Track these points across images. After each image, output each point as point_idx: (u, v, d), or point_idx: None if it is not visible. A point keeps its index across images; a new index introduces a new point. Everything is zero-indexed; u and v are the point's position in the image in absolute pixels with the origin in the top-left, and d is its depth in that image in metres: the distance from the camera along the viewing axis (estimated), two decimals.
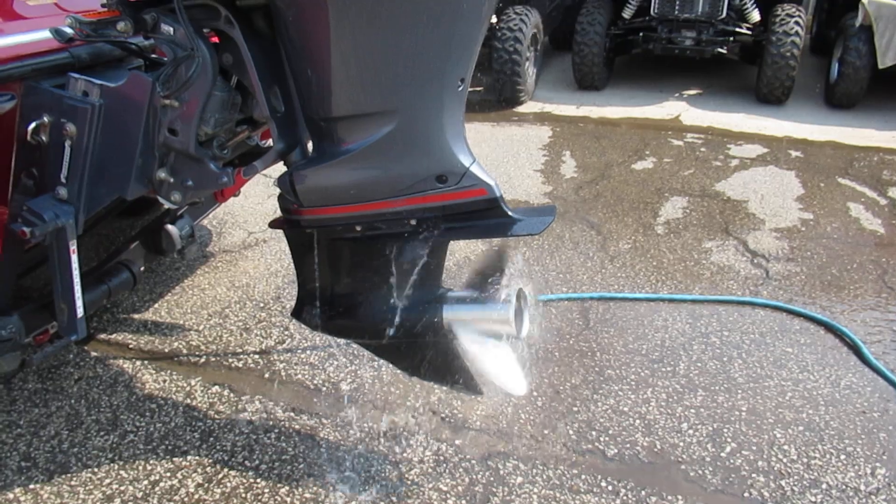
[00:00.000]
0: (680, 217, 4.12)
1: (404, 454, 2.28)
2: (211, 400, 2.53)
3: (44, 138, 1.92)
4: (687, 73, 7.36)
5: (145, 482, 2.16)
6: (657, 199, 4.38)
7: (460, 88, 1.75)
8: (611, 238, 3.85)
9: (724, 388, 2.62)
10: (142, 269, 2.69)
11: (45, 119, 1.90)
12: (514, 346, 2.02)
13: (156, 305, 3.15)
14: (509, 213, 1.84)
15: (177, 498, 2.10)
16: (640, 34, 6.60)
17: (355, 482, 2.16)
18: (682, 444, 2.34)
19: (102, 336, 2.92)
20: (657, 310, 3.14)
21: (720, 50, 6.46)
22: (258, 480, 2.17)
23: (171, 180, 1.97)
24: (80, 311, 2.08)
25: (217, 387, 2.60)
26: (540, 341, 2.89)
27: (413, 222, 1.90)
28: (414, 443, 2.33)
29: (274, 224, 2.11)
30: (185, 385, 2.61)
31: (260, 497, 2.11)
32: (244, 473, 2.20)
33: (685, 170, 4.88)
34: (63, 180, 1.95)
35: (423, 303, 1.98)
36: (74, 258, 2.01)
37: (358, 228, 1.95)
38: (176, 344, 2.87)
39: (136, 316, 3.07)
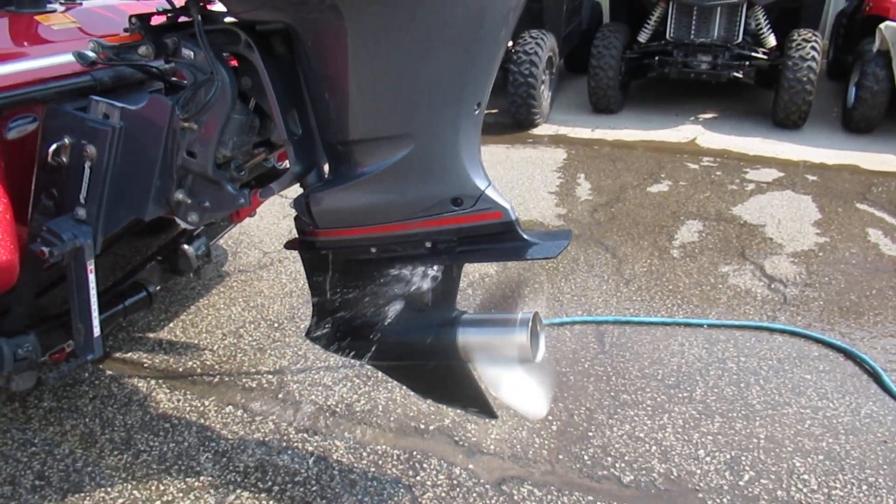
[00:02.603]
0: (696, 241, 4.10)
1: (417, 478, 2.26)
2: (225, 420, 2.53)
3: (64, 159, 1.95)
4: (703, 97, 7.36)
5: (158, 502, 2.15)
6: (673, 222, 4.37)
7: (476, 112, 1.76)
8: (626, 261, 3.83)
9: (741, 414, 2.58)
10: (157, 288, 2.71)
11: (66, 141, 1.93)
12: (530, 369, 2.01)
13: (171, 324, 3.17)
14: (525, 236, 1.84)
15: None
16: (656, 58, 6.61)
17: None
18: (699, 471, 2.31)
19: (118, 355, 2.93)
20: (673, 334, 3.12)
21: (736, 74, 6.46)
22: (270, 502, 2.16)
23: (189, 202, 1.99)
24: (96, 331, 2.09)
25: (231, 407, 2.60)
26: (554, 365, 2.87)
27: (428, 245, 1.90)
28: (427, 466, 2.31)
29: (290, 245, 2.12)
30: (198, 405, 2.61)
31: None
32: (257, 495, 2.19)
33: (701, 193, 4.86)
34: (82, 201, 1.97)
35: (438, 325, 1.98)
36: (92, 278, 2.03)
37: (373, 250, 1.95)
38: (190, 363, 2.88)
39: (151, 335, 3.08)
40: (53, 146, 1.92)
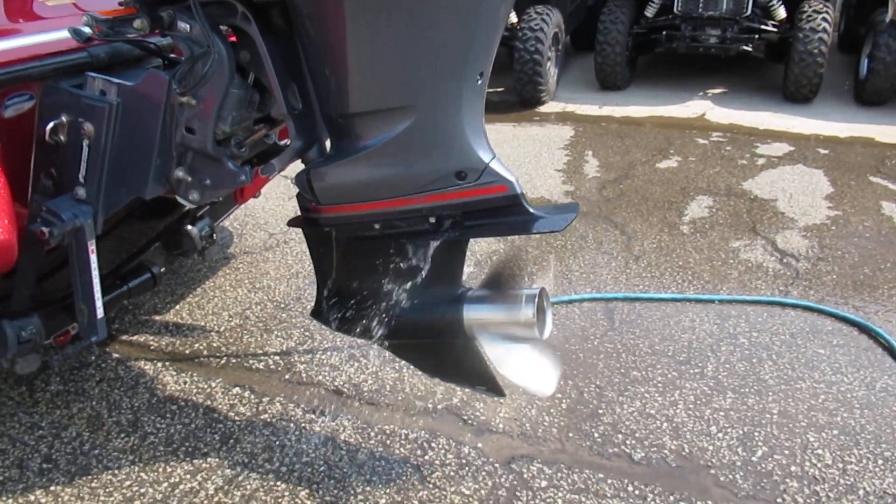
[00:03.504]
0: (706, 216, 4.04)
1: (426, 457, 2.24)
2: (231, 402, 2.52)
3: (62, 138, 1.91)
4: (712, 72, 7.25)
5: (165, 484, 2.14)
6: (682, 198, 4.31)
7: (479, 83, 1.72)
8: (635, 238, 3.78)
9: (754, 390, 2.55)
10: (162, 270, 2.69)
11: (64, 119, 1.90)
12: (537, 346, 1.97)
13: (177, 307, 3.15)
14: (531, 210, 1.80)
15: (196, 500, 2.08)
16: (664, 33, 6.51)
17: (376, 485, 2.12)
18: (711, 447, 2.28)
19: (124, 337, 2.92)
20: (684, 310, 3.07)
21: (745, 48, 6.35)
22: (278, 483, 2.14)
23: (189, 179, 1.95)
24: (100, 312, 2.07)
25: (238, 388, 2.59)
26: (563, 342, 2.84)
27: (432, 220, 1.86)
28: (436, 446, 2.29)
29: (293, 223, 2.09)
30: (205, 387, 2.60)
31: (280, 500, 2.08)
32: (264, 476, 2.17)
33: (711, 168, 4.80)
34: (81, 180, 1.94)
35: (443, 302, 1.94)
36: (93, 258, 2.00)
37: (376, 226, 1.92)
38: (197, 345, 2.86)
39: (157, 317, 3.07)
40: (50, 124, 1.88)
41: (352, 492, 2.10)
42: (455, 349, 2.02)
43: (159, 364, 2.73)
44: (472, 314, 1.91)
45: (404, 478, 2.16)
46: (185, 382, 2.62)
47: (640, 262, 3.51)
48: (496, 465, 2.21)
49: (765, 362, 2.70)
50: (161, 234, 2.72)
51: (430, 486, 2.13)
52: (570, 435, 2.34)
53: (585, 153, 5.19)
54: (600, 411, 2.45)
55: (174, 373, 2.68)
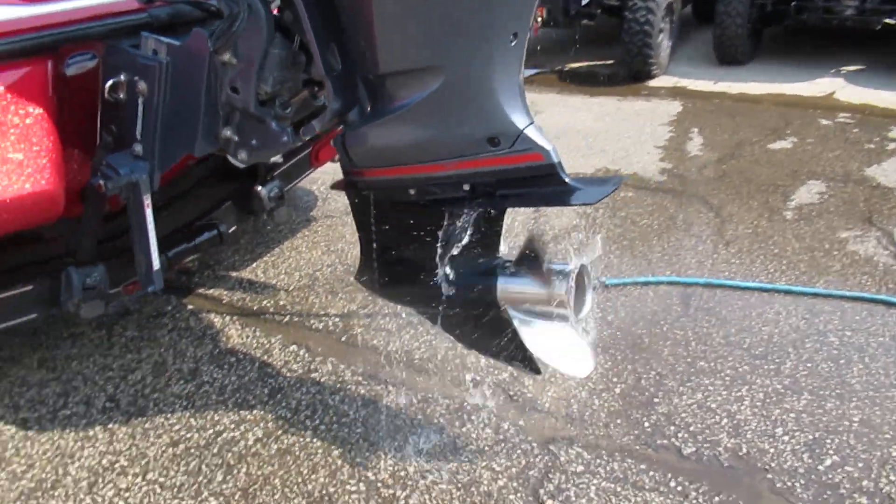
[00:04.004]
0: (815, 202, 3.69)
1: (464, 429, 2.20)
2: (286, 358, 2.57)
3: (122, 96, 1.99)
4: (847, 48, 6.59)
5: (210, 431, 2.23)
6: (791, 181, 3.96)
7: (513, 44, 1.61)
8: (730, 221, 3.52)
9: (835, 393, 2.31)
10: (232, 228, 2.78)
11: (122, 77, 1.97)
12: (576, 326, 1.87)
13: (254, 265, 3.26)
14: (566, 180, 1.69)
15: (235, 449, 2.15)
16: (793, 3, 5.98)
17: (407, 452, 2.11)
18: (772, 450, 2.08)
19: (201, 290, 3.06)
20: (770, 301, 2.83)
21: (888, 21, 5.72)
22: (314, 440, 2.17)
23: (237, 139, 1.98)
24: (156, 264, 2.15)
25: (294, 346, 2.64)
26: (629, 325, 2.69)
27: (466, 187, 1.79)
28: (476, 419, 2.24)
29: (336, 186, 2.08)
30: (265, 342, 2.67)
31: (312, 457, 2.11)
32: (303, 432, 2.21)
33: (830, 152, 4.38)
34: (138, 137, 2.01)
35: (478, 273, 1.88)
36: (149, 212, 2.08)
37: (412, 192, 1.87)
38: (265, 302, 2.95)
39: (234, 273, 3.19)
40: (110, 82, 1.96)
41: (382, 456, 2.10)
42: (491, 322, 1.95)
43: (227, 318, 2.84)
44: (506, 287, 1.83)
45: (437, 448, 2.13)
46: (247, 336, 2.71)
47: (730, 248, 3.27)
48: (534, 444, 2.13)
49: (854, 364, 2.44)
50: (232, 193, 2.81)
51: (462, 458, 2.08)
52: (619, 421, 2.22)
53: (691, 130, 4.88)
54: (656, 400, 2.30)
55: (239, 327, 2.78)
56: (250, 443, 2.18)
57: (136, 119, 1.99)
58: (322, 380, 2.45)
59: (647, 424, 2.20)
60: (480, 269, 1.88)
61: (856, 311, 2.74)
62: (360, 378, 2.45)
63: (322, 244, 3.42)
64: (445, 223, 1.84)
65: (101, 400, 2.39)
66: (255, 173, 2.83)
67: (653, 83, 6.06)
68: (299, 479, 2.03)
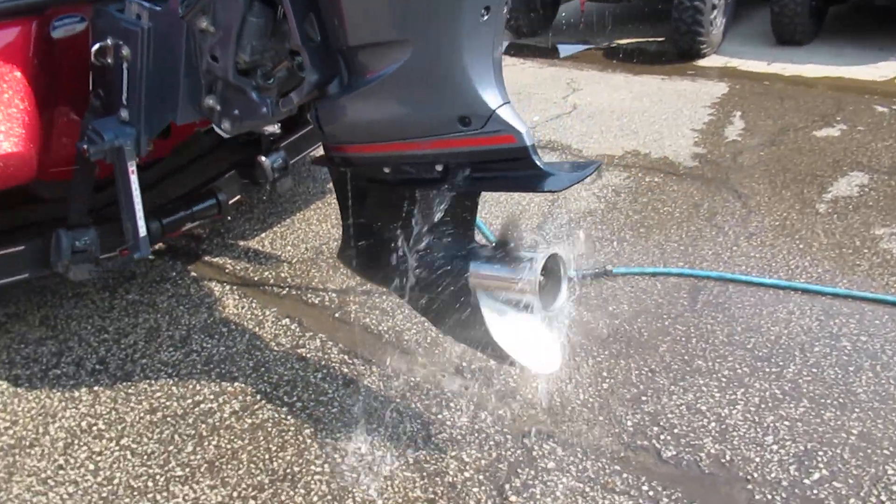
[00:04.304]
0: (853, 195, 3.47)
1: (439, 416, 2.16)
2: (277, 332, 2.57)
3: (109, 61, 1.98)
4: None
5: (189, 401, 2.24)
6: (831, 172, 3.73)
7: (486, 19, 1.53)
8: (757, 212, 3.35)
9: (837, 402, 2.17)
10: (234, 199, 2.78)
11: (109, 42, 1.96)
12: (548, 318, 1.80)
13: (262, 235, 3.26)
14: (539, 164, 1.61)
15: (210, 421, 2.16)
16: None
17: (379, 436, 2.08)
18: (758, 459, 1.97)
19: (207, 257, 3.08)
20: (784, 300, 2.68)
21: None
22: (288, 417, 2.16)
23: (219, 108, 1.95)
24: (142, 231, 2.16)
25: (287, 320, 2.64)
26: (630, 317, 2.59)
27: (439, 168, 1.72)
28: (454, 406, 2.19)
29: (316, 161, 2.04)
30: (259, 314, 2.68)
31: (284, 434, 2.10)
32: (278, 408, 2.20)
33: (881, 141, 4.11)
34: (124, 102, 2.01)
35: (451, 256, 1.82)
36: (134, 178, 2.08)
37: (386, 170, 1.81)
38: (266, 273, 2.95)
39: (241, 242, 3.20)
40: (96, 46, 1.96)
41: (353, 438, 2.07)
42: (465, 307, 1.89)
43: (227, 287, 2.85)
44: (476, 271, 1.76)
45: (411, 433, 2.09)
46: (242, 307, 2.72)
47: (752, 241, 3.10)
48: (508, 436, 2.07)
49: (863, 373, 2.29)
50: (235, 163, 2.80)
51: (432, 446, 2.04)
52: (601, 418, 2.14)
53: (733, 114, 4.66)
54: (643, 398, 2.21)
55: (237, 297, 2.79)
56: (226, 415, 2.18)
57: (122, 84, 1.98)
58: (308, 356, 2.44)
59: (629, 423, 2.12)
60: (452, 252, 1.81)
61: (875, 315, 2.57)
62: (346, 356, 2.43)
63: (333, 217, 3.39)
64: (418, 204, 1.78)
65: (91, 362, 2.43)
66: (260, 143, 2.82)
67: (702, 62, 5.80)
68: (266, 456, 2.03)
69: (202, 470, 1.99)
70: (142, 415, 2.20)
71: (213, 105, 1.94)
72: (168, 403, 2.23)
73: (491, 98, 1.59)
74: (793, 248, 3.03)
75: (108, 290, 2.84)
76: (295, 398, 2.24)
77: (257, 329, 2.59)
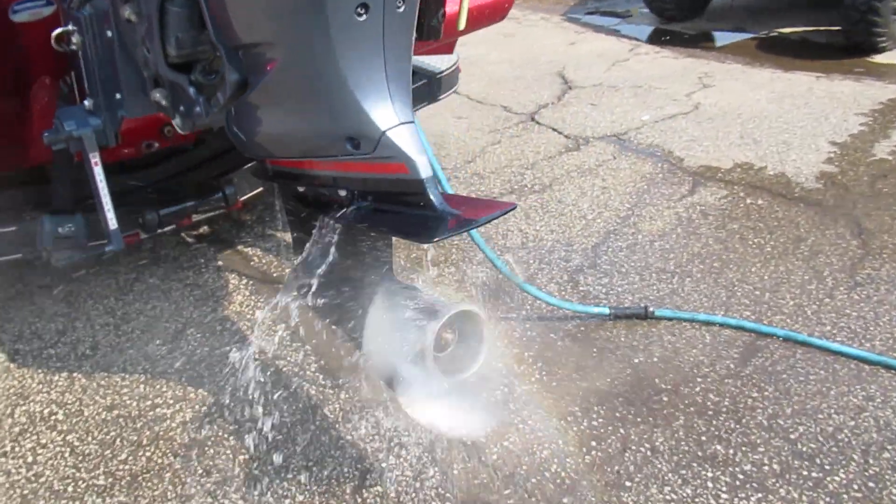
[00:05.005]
0: None
1: (382, 472, 1.90)
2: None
3: (70, 47, 1.91)
4: None
5: (149, 403, 2.16)
6: None
7: (363, 19, 1.23)
8: (875, 255, 2.69)
9: None
10: (257, 191, 2.69)
11: (70, 27, 1.88)
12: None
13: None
14: (435, 203, 1.29)
15: (156, 428, 2.06)
16: None
17: (309, 481, 1.87)
18: None
19: (241, 246, 3.00)
20: (866, 380, 2.10)
21: None
22: (230, 438, 2.01)
23: (164, 103, 1.81)
24: (112, 223, 2.08)
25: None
26: (655, 373, 2.15)
27: (343, 193, 1.46)
28: (401, 460, 1.93)
29: (254, 172, 1.85)
30: (251, 317, 2.56)
31: (217, 456, 1.96)
32: (225, 426, 2.06)
33: None
34: (87, 91, 1.93)
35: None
36: (98, 170, 1.99)
37: (300, 189, 1.58)
38: (287, 270, 2.83)
39: (278, 234, 3.10)
40: (55, 32, 1.88)
41: (282, 476, 1.88)
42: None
43: (243, 281, 2.76)
44: (371, 317, 1.49)
45: (340, 484, 1.86)
46: (247, 306, 2.61)
47: (854, 293, 2.49)
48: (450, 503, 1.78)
49: None
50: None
51: None
52: (565, 501, 1.77)
53: (893, 126, 3.83)
54: (627, 484, 1.81)
55: (247, 293, 2.68)
56: (174, 424, 2.08)
57: (82, 73, 1.91)
58: (284, 369, 2.28)
59: None
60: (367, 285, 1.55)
61: None
62: (320, 375, 2.24)
63: None
64: (317, 230, 1.53)
65: (85, 345, 2.44)
66: None
67: (878, 58, 4.88)
68: (188, 480, 1.89)
69: (122, 483, 1.89)
70: (100, 410, 2.15)
71: (160, 100, 1.80)
72: (129, 403, 2.17)
73: (382, 117, 1.29)
74: None
75: (137, 270, 2.86)
76: (248, 417, 2.09)
77: (249, 332, 2.47)
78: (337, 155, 1.37)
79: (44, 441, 2.06)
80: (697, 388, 2.11)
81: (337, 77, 1.26)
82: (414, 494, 1.81)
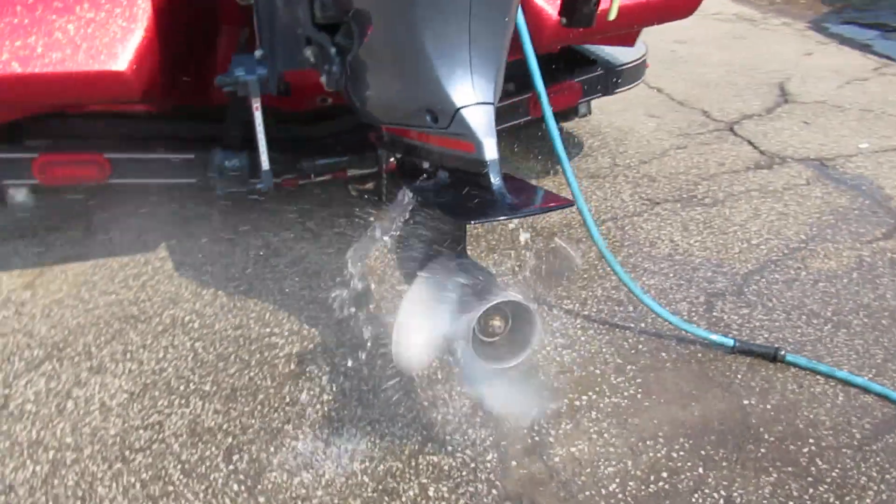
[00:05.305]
0: None
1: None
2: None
3: (250, 1, 2.12)
4: None
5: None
6: None
7: None
8: None
9: None
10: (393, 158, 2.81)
11: None
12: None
13: None
14: (493, 187, 1.28)
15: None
16: None
17: None
18: None
19: (358, 211, 2.99)
20: None
21: None
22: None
23: (313, 61, 1.95)
24: (265, 164, 2.31)
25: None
26: (759, 423, 1.95)
27: (426, 165, 1.49)
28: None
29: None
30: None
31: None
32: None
33: None
34: (258, 42, 2.14)
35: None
36: (258, 115, 2.21)
37: (397, 155, 1.64)
38: None
39: None
40: None
41: None
42: None
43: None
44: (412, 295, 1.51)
45: None
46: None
47: None
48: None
49: None
50: None
51: None
52: None
53: None
54: None
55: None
56: (282, 354, 2.26)
57: (255, 24, 2.11)
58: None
59: None
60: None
61: None
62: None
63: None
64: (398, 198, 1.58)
65: (236, 269, 2.68)
66: None
67: None
68: (275, 402, 2.06)
69: (223, 394, 2.09)
70: (228, 328, 2.37)
71: (310, 57, 1.95)
72: (252, 326, 2.37)
73: (459, 94, 1.30)
74: None
75: (301, 213, 3.08)
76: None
77: (377, 293, 2.59)
78: (421, 126, 1.40)
79: (176, 343, 2.34)
80: (806, 450, 1.87)
81: (420, 48, 1.29)
82: (466, 474, 1.82)
